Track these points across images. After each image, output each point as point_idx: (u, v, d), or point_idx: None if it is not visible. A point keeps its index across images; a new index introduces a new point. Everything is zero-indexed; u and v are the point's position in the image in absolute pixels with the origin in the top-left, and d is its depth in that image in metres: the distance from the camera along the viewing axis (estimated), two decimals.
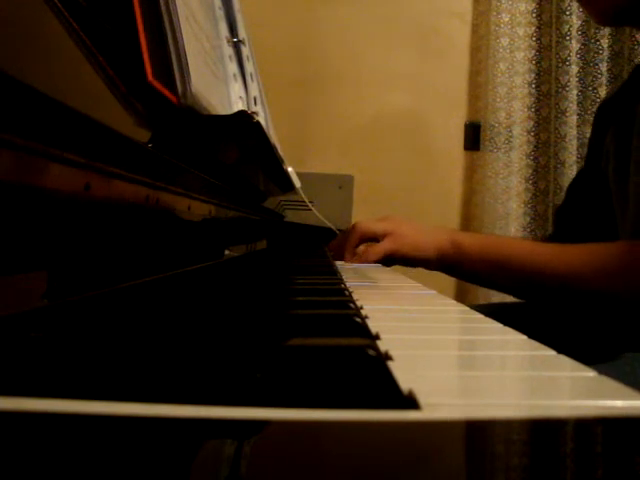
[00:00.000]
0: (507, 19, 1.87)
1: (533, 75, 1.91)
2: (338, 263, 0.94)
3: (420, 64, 1.93)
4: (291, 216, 1.47)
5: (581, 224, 1.03)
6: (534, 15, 1.90)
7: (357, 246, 0.98)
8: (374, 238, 0.96)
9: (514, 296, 0.97)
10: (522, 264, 0.83)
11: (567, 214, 1.07)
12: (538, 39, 1.90)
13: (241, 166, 0.73)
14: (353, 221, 1.66)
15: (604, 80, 1.87)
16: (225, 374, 0.23)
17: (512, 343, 0.34)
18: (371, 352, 0.25)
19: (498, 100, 1.87)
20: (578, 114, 1.86)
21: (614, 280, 0.75)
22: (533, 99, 1.91)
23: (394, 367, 0.24)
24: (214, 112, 0.54)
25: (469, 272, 0.91)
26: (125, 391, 0.21)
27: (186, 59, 0.47)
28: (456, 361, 0.30)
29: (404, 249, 0.91)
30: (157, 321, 0.36)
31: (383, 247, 0.92)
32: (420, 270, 0.95)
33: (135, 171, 0.40)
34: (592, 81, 1.88)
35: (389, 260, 0.95)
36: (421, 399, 0.20)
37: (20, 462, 0.15)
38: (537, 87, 1.91)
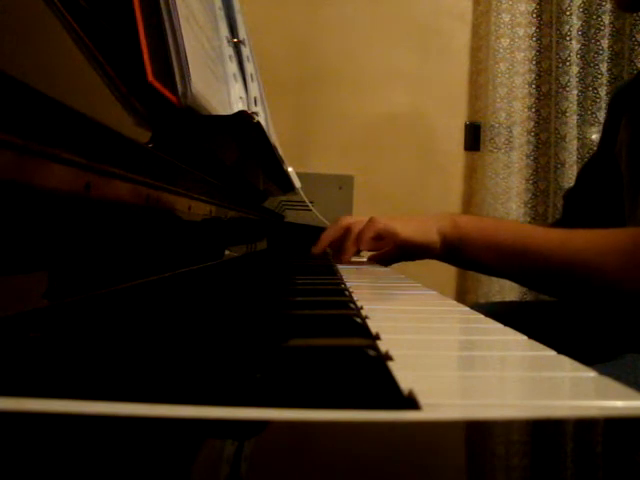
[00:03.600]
0: (507, 19, 1.87)
1: (533, 75, 1.91)
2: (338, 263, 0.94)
3: (420, 64, 1.93)
4: (291, 216, 1.47)
5: (590, 209, 1.03)
6: (534, 15, 1.90)
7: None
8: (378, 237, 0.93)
9: (517, 282, 0.95)
10: (526, 248, 0.79)
11: (577, 198, 1.07)
12: (538, 39, 1.90)
13: (241, 166, 0.73)
14: None
15: (604, 80, 1.87)
16: (225, 374, 0.23)
17: (512, 343, 0.34)
18: (371, 352, 0.25)
19: (498, 100, 1.87)
20: (578, 114, 1.86)
21: (619, 267, 0.72)
22: (533, 99, 1.91)
23: (394, 367, 0.24)
24: (214, 112, 0.54)
25: (471, 256, 0.88)
26: (125, 391, 0.21)
27: (186, 59, 0.47)
28: (456, 361, 0.30)
29: (407, 232, 0.88)
30: (157, 322, 0.36)
31: (384, 221, 0.89)
32: (420, 270, 0.94)
33: (135, 171, 0.40)
34: (592, 81, 1.88)
35: (392, 258, 0.93)
36: (421, 399, 0.20)
37: (20, 462, 0.15)
38: (537, 87, 1.91)
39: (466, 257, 0.89)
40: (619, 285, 0.73)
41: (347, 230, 0.94)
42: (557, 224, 1.12)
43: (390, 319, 0.40)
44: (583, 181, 1.08)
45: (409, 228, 0.88)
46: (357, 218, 0.94)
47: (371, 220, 0.90)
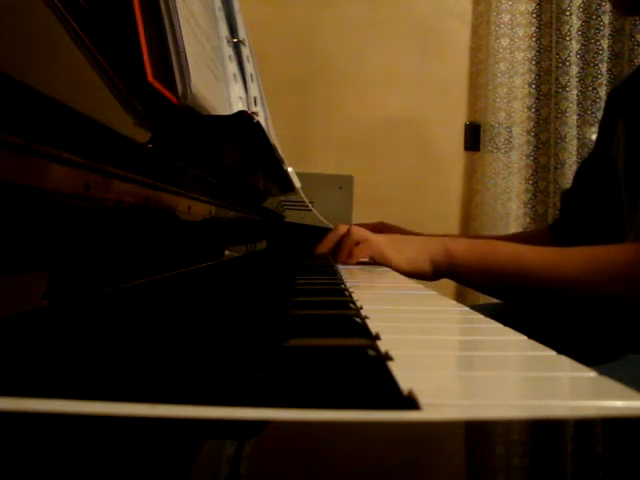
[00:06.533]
0: (507, 19, 1.87)
1: (533, 75, 1.91)
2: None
3: (420, 64, 1.93)
4: (291, 216, 1.47)
5: (588, 208, 1.03)
6: (534, 15, 1.90)
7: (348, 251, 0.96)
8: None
9: (512, 302, 0.96)
10: (519, 272, 0.80)
11: (574, 198, 1.07)
12: (538, 39, 1.90)
13: (241, 166, 0.73)
14: (353, 221, 1.66)
15: (604, 80, 1.87)
16: (225, 374, 0.23)
17: (512, 343, 0.34)
18: (371, 352, 0.25)
19: (498, 100, 1.87)
20: (578, 114, 1.86)
21: (618, 285, 0.73)
22: (533, 99, 1.91)
23: (394, 367, 0.24)
24: (214, 112, 0.54)
25: (466, 281, 0.91)
26: (125, 391, 0.21)
27: (186, 59, 0.47)
28: (456, 361, 0.30)
29: (399, 263, 0.90)
30: (157, 322, 0.36)
31: (382, 249, 0.91)
32: None
33: (135, 171, 0.40)
34: (592, 81, 1.88)
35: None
36: (421, 399, 0.20)
37: (20, 462, 0.15)
38: (537, 87, 1.91)
39: (460, 281, 0.91)
40: (616, 303, 0.73)
41: (345, 237, 0.94)
42: (556, 224, 1.12)
43: (390, 319, 0.40)
44: (580, 181, 1.07)
45: (402, 259, 0.90)
46: (358, 232, 0.95)
47: (366, 242, 0.91)
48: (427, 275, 0.90)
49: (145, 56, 0.43)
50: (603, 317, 0.80)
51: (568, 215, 1.08)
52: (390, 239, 0.94)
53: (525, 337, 0.34)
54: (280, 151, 1.02)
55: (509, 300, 0.93)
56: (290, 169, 1.08)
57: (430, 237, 0.98)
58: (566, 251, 0.80)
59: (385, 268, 0.91)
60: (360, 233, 0.94)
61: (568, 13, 1.84)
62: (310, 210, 1.33)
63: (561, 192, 1.65)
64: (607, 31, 1.87)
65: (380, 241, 0.92)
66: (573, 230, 1.04)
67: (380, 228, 1.10)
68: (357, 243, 0.93)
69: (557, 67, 1.85)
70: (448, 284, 1.90)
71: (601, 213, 0.99)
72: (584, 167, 1.09)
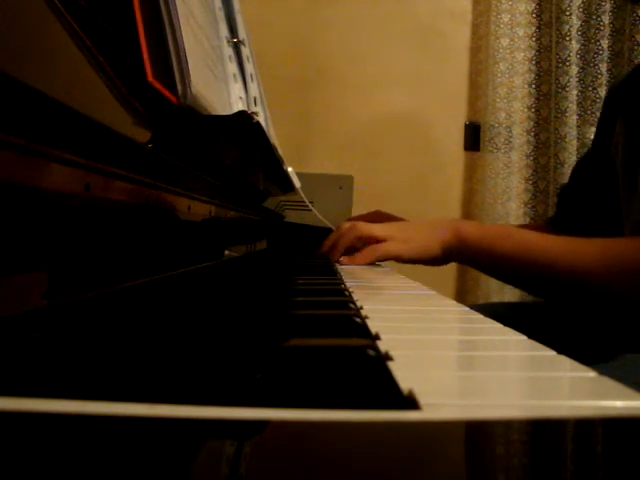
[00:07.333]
0: (507, 19, 1.87)
1: (533, 75, 1.91)
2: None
3: (420, 64, 1.93)
4: (291, 216, 1.47)
5: (584, 206, 1.03)
6: (534, 15, 1.90)
7: (349, 247, 0.95)
8: (371, 241, 0.93)
9: (521, 289, 0.96)
10: (530, 259, 0.79)
11: (571, 195, 1.07)
12: (538, 39, 1.90)
13: (241, 166, 0.73)
14: None
15: (604, 80, 1.87)
16: (225, 374, 0.23)
17: (512, 343, 0.34)
18: (371, 352, 0.25)
19: (498, 100, 1.87)
20: (578, 114, 1.86)
21: (625, 279, 0.72)
22: (533, 99, 1.91)
23: (394, 367, 0.24)
24: (214, 112, 0.54)
25: (475, 264, 0.90)
26: (125, 391, 0.21)
27: (186, 59, 0.47)
28: (456, 361, 0.30)
29: (410, 254, 0.89)
30: (157, 322, 0.36)
31: (385, 249, 0.90)
32: (420, 270, 0.94)
33: (135, 171, 0.40)
34: (592, 81, 1.88)
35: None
36: (421, 399, 0.20)
37: (20, 462, 0.15)
38: (537, 87, 1.91)
39: (469, 264, 0.91)
40: (623, 297, 0.73)
41: (348, 232, 0.94)
42: (552, 221, 1.12)
43: (390, 319, 0.40)
44: (577, 178, 1.08)
45: (411, 250, 0.89)
46: (361, 228, 0.94)
47: (370, 247, 0.90)
48: (437, 260, 0.89)
49: (145, 56, 0.43)
50: (607, 312, 0.79)
51: (564, 212, 1.08)
52: (396, 230, 0.93)
53: (525, 337, 0.34)
54: (280, 151, 1.01)
55: (516, 285, 0.93)
56: (290, 169, 1.08)
57: (438, 220, 0.96)
58: (577, 242, 0.79)
59: (386, 268, 0.91)
60: (363, 228, 0.93)
61: (568, 13, 1.84)
62: (310, 210, 1.33)
63: (559, 187, 1.64)
64: (607, 31, 1.87)
65: (386, 239, 0.91)
66: (568, 225, 1.05)
67: (376, 218, 1.09)
68: (361, 238, 0.92)
69: (557, 67, 1.85)
70: (448, 284, 1.91)
71: (597, 209, 0.99)
72: (581, 165, 1.09)
